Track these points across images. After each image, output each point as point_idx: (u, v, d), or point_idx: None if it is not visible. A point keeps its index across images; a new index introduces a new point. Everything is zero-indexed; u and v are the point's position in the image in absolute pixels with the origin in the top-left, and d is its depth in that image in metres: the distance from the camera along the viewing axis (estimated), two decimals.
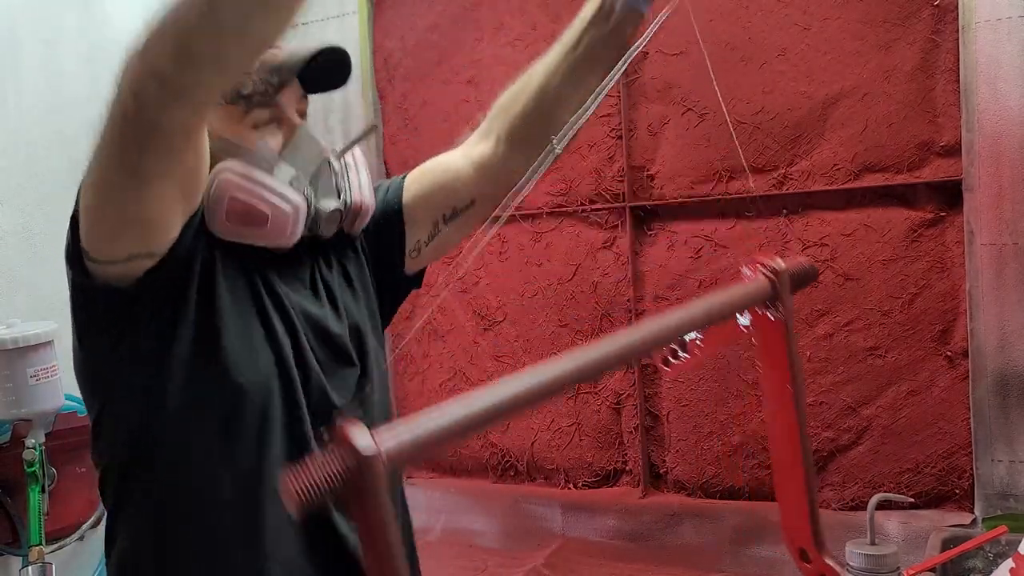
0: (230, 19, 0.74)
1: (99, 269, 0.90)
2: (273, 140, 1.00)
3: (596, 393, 2.39)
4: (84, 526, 2.10)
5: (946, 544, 1.70)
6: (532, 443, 2.48)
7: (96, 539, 2.15)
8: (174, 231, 0.90)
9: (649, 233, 2.30)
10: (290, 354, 0.99)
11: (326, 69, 1.03)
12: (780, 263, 0.80)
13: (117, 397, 0.97)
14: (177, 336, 0.93)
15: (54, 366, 1.91)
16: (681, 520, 2.21)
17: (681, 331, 0.73)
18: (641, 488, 2.32)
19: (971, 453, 1.93)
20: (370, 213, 1.08)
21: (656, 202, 2.27)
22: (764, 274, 0.80)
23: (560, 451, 2.44)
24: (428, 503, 2.57)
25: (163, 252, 0.90)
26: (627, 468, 2.38)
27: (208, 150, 0.92)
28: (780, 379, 0.83)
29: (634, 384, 2.32)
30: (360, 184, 1.06)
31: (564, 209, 2.39)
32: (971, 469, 1.94)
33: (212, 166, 0.95)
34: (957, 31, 1.88)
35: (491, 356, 2.52)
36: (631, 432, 2.35)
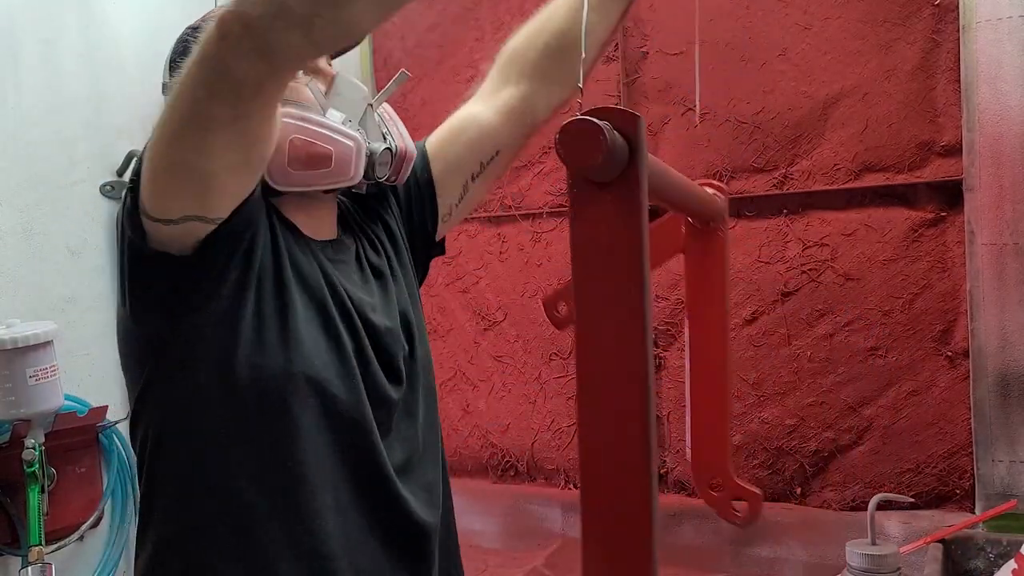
0: None
1: (154, 229, 0.88)
2: (317, 89, 1.01)
3: None
4: (84, 526, 2.09)
5: (946, 544, 1.69)
6: (532, 443, 2.48)
7: (96, 539, 2.15)
8: (229, 199, 0.89)
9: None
10: (349, 345, 0.99)
11: None
12: (724, 185, 0.83)
13: (165, 374, 0.95)
14: (236, 313, 0.93)
15: (54, 366, 1.91)
16: (681, 520, 2.21)
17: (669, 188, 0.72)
18: None
19: (972, 453, 1.93)
20: (412, 161, 1.09)
21: (656, 202, 2.27)
22: (717, 193, 0.81)
23: (560, 451, 2.44)
24: None
25: (218, 219, 0.88)
26: None
27: (280, 119, 0.90)
28: (711, 300, 0.82)
29: None
30: (401, 131, 1.08)
31: (564, 209, 2.39)
32: (972, 469, 1.93)
33: None
34: (957, 31, 1.88)
35: (491, 356, 2.52)
36: None
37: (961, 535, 1.72)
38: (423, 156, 1.17)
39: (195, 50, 0.79)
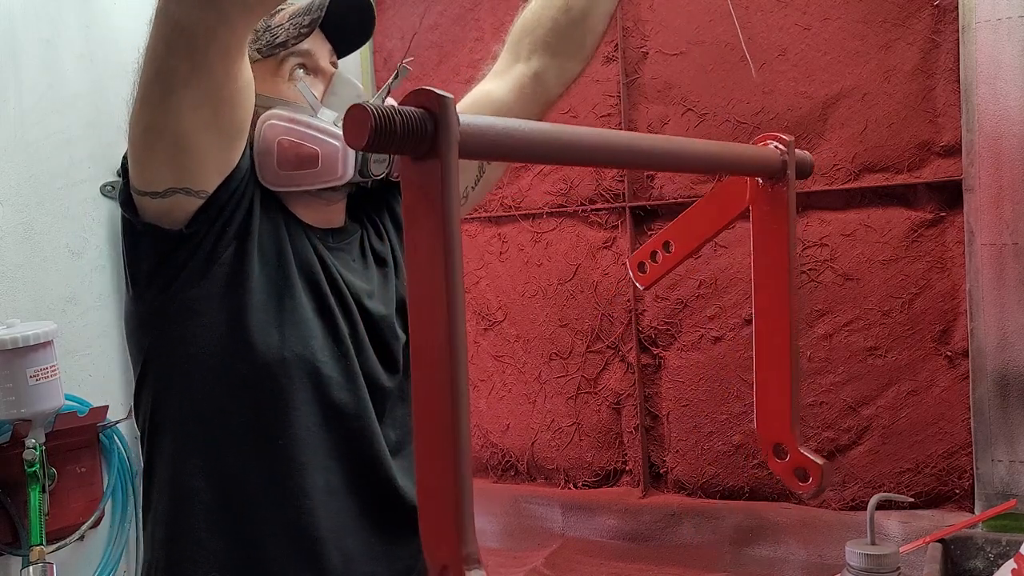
0: None
1: (144, 203, 0.90)
2: (313, 88, 1.02)
3: (596, 393, 2.39)
4: (84, 526, 2.10)
5: (946, 544, 1.69)
6: (532, 443, 2.48)
7: (96, 539, 2.15)
8: (212, 170, 0.90)
9: (649, 233, 2.30)
10: (344, 330, 1.00)
11: (351, 22, 1.06)
12: (788, 136, 0.80)
13: (162, 350, 0.97)
14: (232, 293, 0.93)
15: (54, 366, 1.91)
16: (681, 520, 2.22)
17: (685, 157, 0.71)
18: (641, 488, 2.32)
19: (971, 453, 1.93)
20: None
21: (656, 202, 2.27)
22: (775, 146, 0.79)
23: (560, 451, 2.44)
24: None
25: (202, 191, 0.89)
26: (627, 468, 2.38)
27: (251, 85, 0.92)
28: (776, 261, 0.81)
29: (634, 384, 2.32)
30: None
31: (564, 209, 2.39)
32: (971, 469, 1.94)
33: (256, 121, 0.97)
34: (957, 31, 1.88)
35: (491, 356, 2.52)
36: (631, 432, 2.35)
37: (960, 535, 1.72)
38: None
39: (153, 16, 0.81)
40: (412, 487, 1.05)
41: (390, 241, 1.14)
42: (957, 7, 1.88)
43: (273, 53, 1.01)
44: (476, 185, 1.21)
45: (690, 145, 0.71)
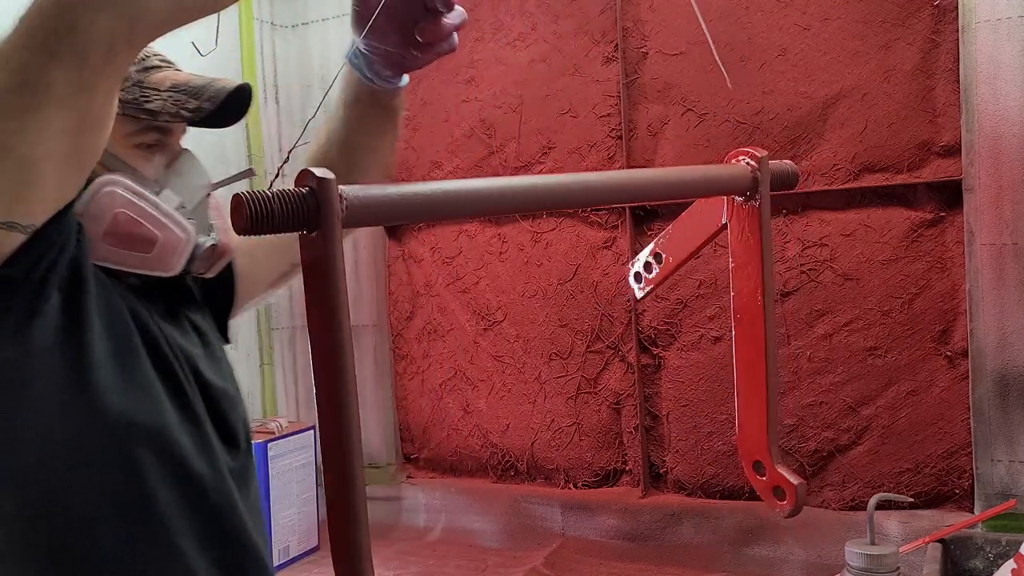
0: None
1: None
2: (157, 163, 0.92)
3: (596, 393, 2.39)
4: None
5: (945, 544, 1.70)
6: (532, 443, 2.48)
7: None
8: (49, 202, 0.73)
9: (649, 233, 2.30)
10: (192, 398, 0.90)
11: (228, 112, 0.95)
12: (761, 151, 0.79)
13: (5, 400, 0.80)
14: (67, 347, 0.79)
15: None
16: (681, 520, 2.22)
17: (655, 188, 0.71)
18: (641, 488, 2.32)
19: (971, 453, 1.93)
20: (229, 258, 0.99)
21: (656, 202, 2.27)
22: (746, 162, 0.79)
23: (560, 451, 2.44)
24: (428, 503, 2.57)
25: (30, 227, 0.72)
26: (627, 468, 2.38)
27: (112, 122, 0.75)
28: (751, 276, 0.81)
29: (634, 384, 2.32)
30: (227, 225, 0.95)
31: (564, 209, 2.39)
32: (971, 469, 1.94)
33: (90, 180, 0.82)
34: (957, 31, 1.89)
35: (491, 356, 2.52)
36: (631, 432, 2.35)
37: (960, 535, 1.72)
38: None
39: (24, 13, 0.64)
40: (261, 538, 0.96)
41: (200, 312, 1.03)
42: (957, 7, 1.88)
43: (134, 115, 0.88)
44: (255, 300, 1.13)
45: (651, 176, 0.71)
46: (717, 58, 2.01)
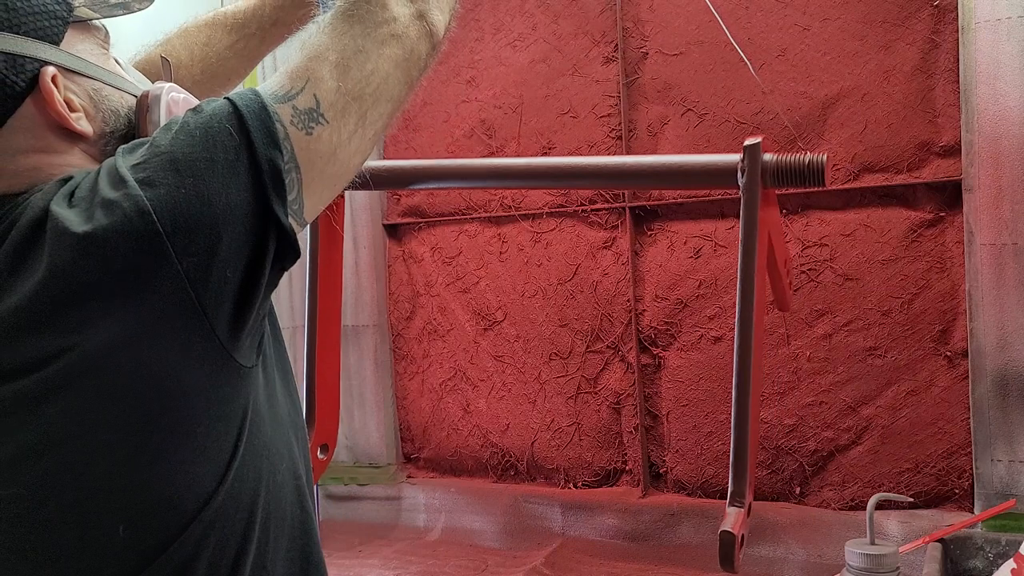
0: None
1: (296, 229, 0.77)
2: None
3: (596, 393, 2.39)
4: None
5: (945, 544, 1.70)
6: (532, 443, 2.48)
7: None
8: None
9: (649, 233, 2.30)
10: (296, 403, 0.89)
11: None
12: (757, 139, 0.78)
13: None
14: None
15: None
16: (681, 520, 2.22)
17: (652, 172, 0.71)
18: (641, 488, 2.32)
19: (971, 453, 1.93)
20: None
21: (656, 202, 2.27)
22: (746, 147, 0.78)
23: (560, 451, 2.44)
24: (428, 503, 2.57)
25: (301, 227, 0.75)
26: (627, 468, 2.38)
27: None
28: (745, 266, 0.80)
29: (634, 384, 2.32)
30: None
31: (564, 209, 2.39)
32: (971, 469, 1.94)
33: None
34: (957, 31, 1.89)
35: (491, 356, 2.52)
36: (631, 432, 2.35)
37: (960, 535, 1.72)
38: None
39: (381, 30, 0.70)
40: None
41: None
42: (957, 7, 1.88)
43: (112, 15, 0.84)
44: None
45: (649, 161, 0.71)
46: (739, 49, 2.00)
